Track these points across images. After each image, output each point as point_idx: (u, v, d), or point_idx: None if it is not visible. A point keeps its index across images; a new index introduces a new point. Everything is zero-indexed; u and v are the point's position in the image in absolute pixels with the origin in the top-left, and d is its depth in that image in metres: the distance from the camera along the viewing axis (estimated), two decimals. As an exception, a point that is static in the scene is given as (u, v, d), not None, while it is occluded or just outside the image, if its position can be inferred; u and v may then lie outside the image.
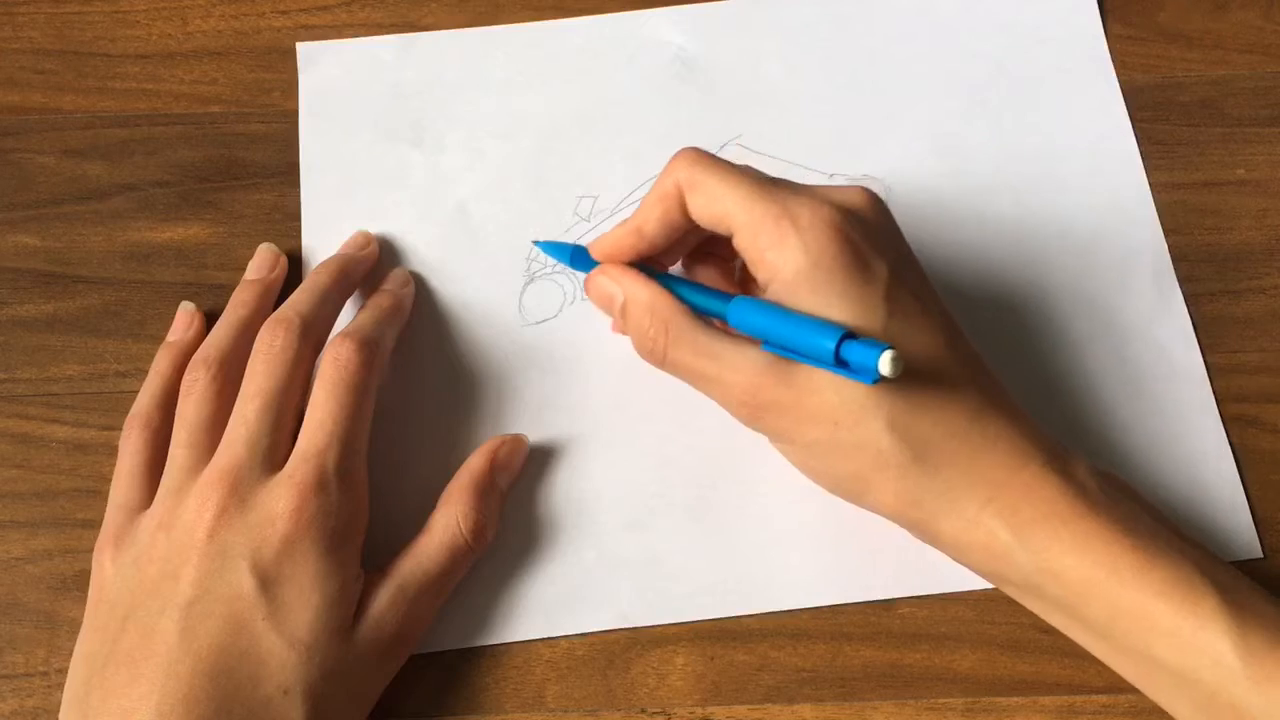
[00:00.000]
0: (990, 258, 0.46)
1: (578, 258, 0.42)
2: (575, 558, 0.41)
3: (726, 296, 0.38)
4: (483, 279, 0.45)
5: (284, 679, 0.35)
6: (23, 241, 0.46)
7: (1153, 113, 0.48)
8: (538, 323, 0.45)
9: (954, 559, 0.38)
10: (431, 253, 0.46)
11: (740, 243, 0.37)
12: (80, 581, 0.41)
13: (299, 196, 0.47)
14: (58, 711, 0.37)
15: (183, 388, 0.40)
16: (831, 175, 0.47)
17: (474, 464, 0.41)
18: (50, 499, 0.42)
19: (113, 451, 0.41)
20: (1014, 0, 0.50)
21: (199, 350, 0.41)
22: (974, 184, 0.47)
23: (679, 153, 0.38)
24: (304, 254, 0.46)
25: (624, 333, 0.40)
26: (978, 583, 0.40)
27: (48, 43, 0.50)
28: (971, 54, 0.49)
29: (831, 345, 0.34)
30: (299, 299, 0.41)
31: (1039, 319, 0.45)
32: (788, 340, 0.35)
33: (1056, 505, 0.36)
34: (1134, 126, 0.48)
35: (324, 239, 0.46)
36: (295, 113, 0.48)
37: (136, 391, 0.42)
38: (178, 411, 0.40)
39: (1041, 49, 0.49)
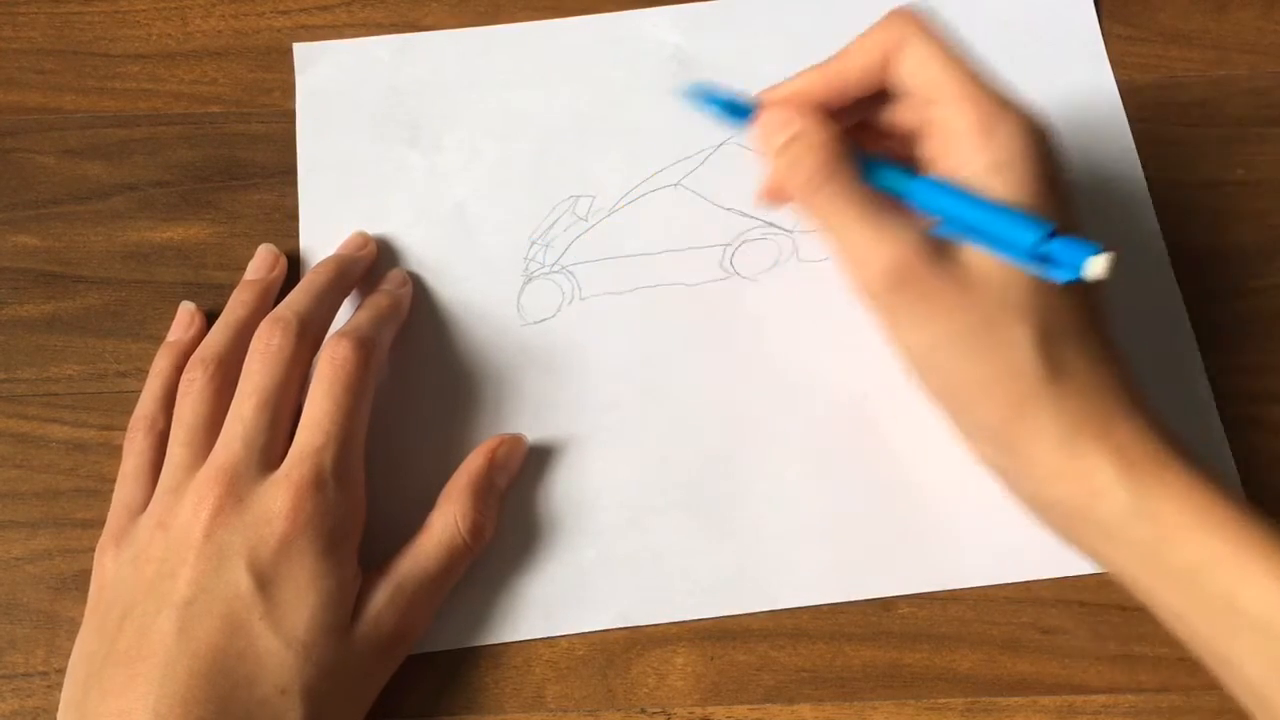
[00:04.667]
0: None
1: (732, 109, 0.39)
2: (575, 557, 0.41)
3: (908, 172, 0.37)
4: (481, 279, 0.45)
5: (282, 679, 0.35)
6: (23, 241, 0.46)
7: (1152, 112, 0.48)
8: (536, 322, 0.45)
9: (1029, 492, 0.37)
10: (429, 252, 0.46)
11: (945, 114, 0.36)
12: (80, 581, 0.41)
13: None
14: (58, 711, 0.37)
15: (180, 387, 0.40)
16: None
17: (472, 463, 0.41)
18: (50, 499, 0.42)
19: (113, 451, 0.42)
20: (1010, -2, 0.50)
21: (197, 350, 0.41)
22: (973, 183, 0.47)
23: (898, 9, 0.38)
24: (302, 254, 0.46)
25: (770, 188, 0.39)
26: (977, 582, 0.40)
27: (48, 43, 0.50)
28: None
29: (1037, 237, 0.34)
30: (296, 298, 0.41)
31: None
32: (983, 223, 0.35)
33: (1165, 455, 0.35)
34: (1134, 126, 0.48)
35: (322, 239, 0.46)
36: (294, 113, 0.48)
37: (136, 391, 0.42)
38: (175, 411, 0.40)
39: (1037, 47, 0.49)
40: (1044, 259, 0.34)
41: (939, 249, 0.36)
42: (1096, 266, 0.33)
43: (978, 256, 0.36)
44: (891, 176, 0.37)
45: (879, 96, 0.39)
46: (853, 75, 0.38)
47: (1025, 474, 0.37)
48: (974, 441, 0.38)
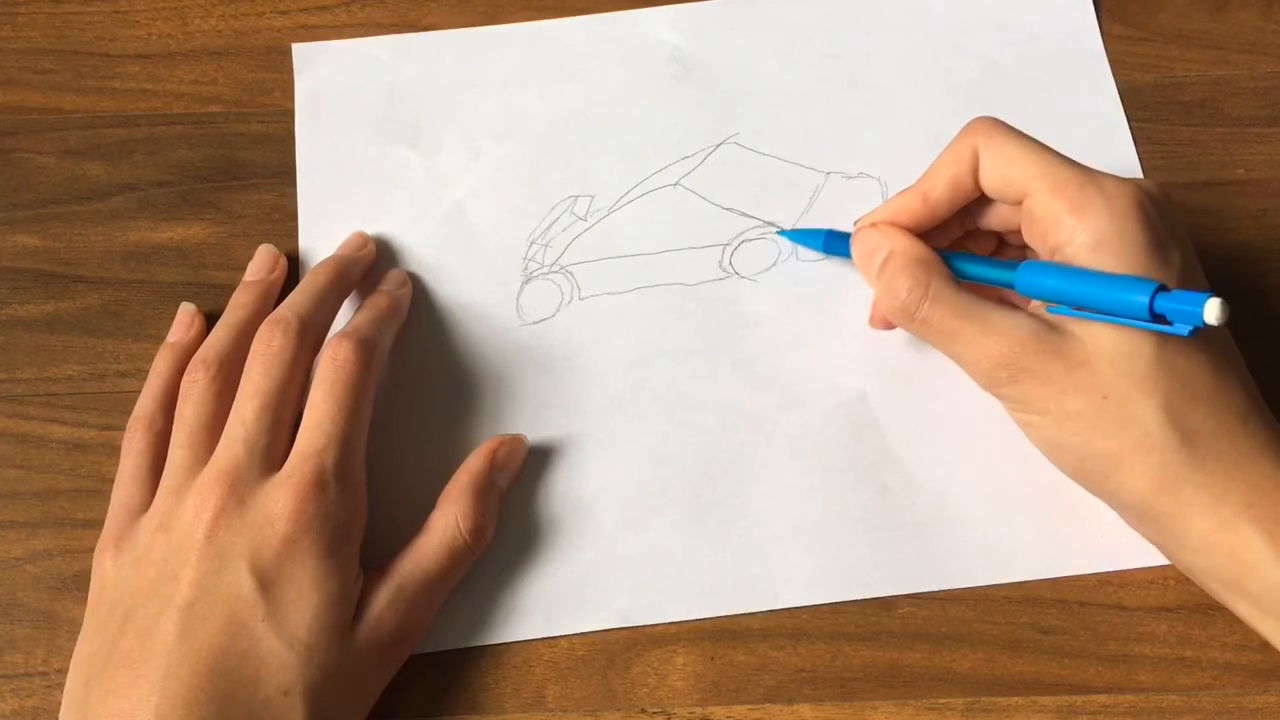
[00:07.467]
0: (989, 257, 0.46)
1: (831, 242, 0.43)
2: (574, 557, 0.41)
3: (1008, 264, 0.38)
4: (480, 279, 0.45)
5: (284, 680, 0.35)
6: (23, 241, 0.46)
7: (1152, 113, 0.48)
8: (535, 322, 0.45)
9: (1184, 560, 0.37)
10: (429, 253, 0.46)
11: (1034, 205, 0.37)
12: (80, 581, 0.41)
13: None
14: (58, 712, 0.37)
15: (182, 389, 0.40)
16: (828, 174, 0.47)
17: (473, 464, 0.41)
18: (50, 499, 0.42)
19: (113, 451, 0.42)
20: (1010, -2, 0.50)
21: (198, 351, 0.41)
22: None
23: (974, 119, 0.38)
24: (301, 255, 0.46)
25: (876, 314, 0.41)
26: (977, 582, 0.40)
27: (48, 43, 0.50)
28: (967, 52, 0.49)
29: (1146, 298, 0.34)
30: (296, 299, 0.41)
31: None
32: (1091, 297, 0.35)
33: None
34: (1134, 127, 0.48)
35: (321, 240, 0.46)
36: (294, 113, 0.48)
37: (136, 391, 0.42)
38: (177, 412, 0.40)
39: (1036, 47, 0.49)
40: (1160, 318, 0.34)
41: (1050, 332, 0.36)
42: (1211, 313, 0.33)
43: (1092, 333, 0.35)
44: (996, 272, 0.38)
45: (982, 201, 0.39)
46: (940, 191, 0.39)
47: (1176, 545, 0.37)
48: (1124, 515, 0.38)
